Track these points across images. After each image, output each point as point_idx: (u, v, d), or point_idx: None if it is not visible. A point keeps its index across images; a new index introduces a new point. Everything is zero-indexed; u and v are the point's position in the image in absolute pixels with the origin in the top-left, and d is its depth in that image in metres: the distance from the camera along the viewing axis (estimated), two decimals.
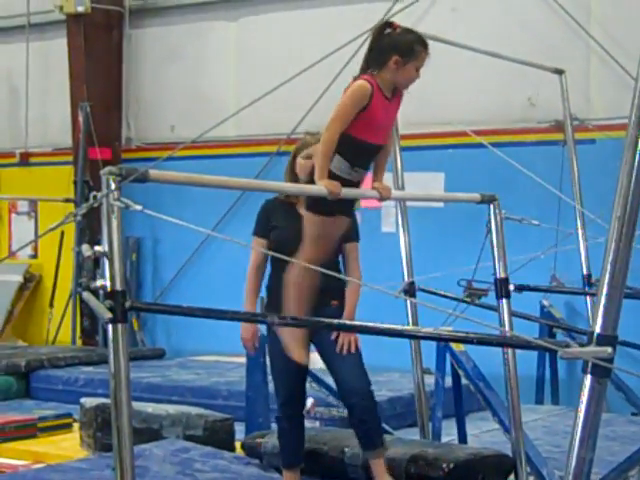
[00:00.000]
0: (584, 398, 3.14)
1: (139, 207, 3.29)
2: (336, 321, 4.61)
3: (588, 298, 8.31)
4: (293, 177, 5.13)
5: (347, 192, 4.21)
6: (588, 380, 3.14)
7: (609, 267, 3.15)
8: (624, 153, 3.22)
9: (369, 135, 4.25)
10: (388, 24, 4.29)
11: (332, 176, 4.23)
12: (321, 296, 4.83)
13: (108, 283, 3.36)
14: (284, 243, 4.89)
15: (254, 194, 9.99)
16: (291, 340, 4.77)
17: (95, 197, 3.33)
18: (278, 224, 5.14)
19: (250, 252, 5.31)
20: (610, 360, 3.10)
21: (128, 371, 3.32)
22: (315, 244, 4.45)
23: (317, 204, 4.39)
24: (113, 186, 3.30)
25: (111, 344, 3.33)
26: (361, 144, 4.24)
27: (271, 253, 4.79)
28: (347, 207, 4.52)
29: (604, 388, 3.15)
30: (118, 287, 3.35)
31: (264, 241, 5.17)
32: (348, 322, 4.44)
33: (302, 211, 4.77)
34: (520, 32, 9.15)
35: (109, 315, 3.31)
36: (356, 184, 4.37)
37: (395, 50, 4.19)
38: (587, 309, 8.35)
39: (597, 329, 3.13)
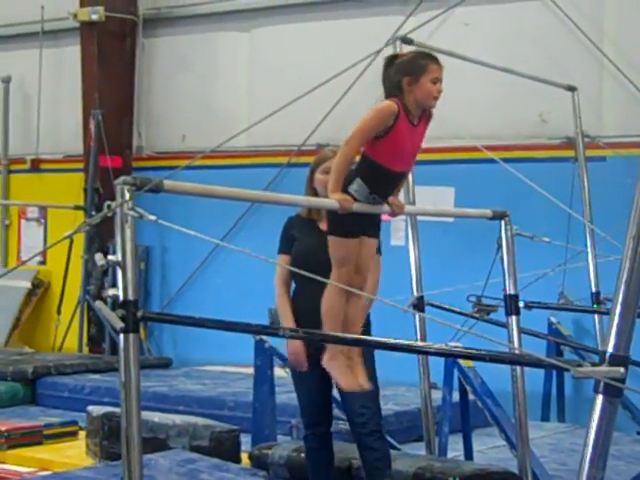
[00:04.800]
0: (595, 418, 3.11)
1: (153, 217, 3.29)
2: (344, 335, 4.57)
3: (596, 316, 8.29)
4: (312, 191, 5.09)
5: (359, 207, 4.18)
6: (599, 400, 3.11)
7: (623, 286, 3.12)
8: (639, 170, 3.21)
9: (393, 162, 4.22)
10: (394, 57, 4.35)
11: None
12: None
13: (120, 292, 3.36)
14: (304, 256, 4.94)
15: (263, 205, 10.04)
16: (342, 371, 4.52)
17: (109, 206, 3.33)
18: (298, 239, 5.12)
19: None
20: (622, 380, 3.08)
21: (139, 381, 3.32)
22: (341, 267, 4.31)
23: (340, 226, 4.29)
24: (127, 196, 3.30)
25: (122, 354, 3.33)
26: (385, 171, 4.21)
27: (293, 269, 4.71)
28: (372, 228, 4.43)
29: (615, 408, 3.13)
30: (131, 297, 3.36)
31: (287, 257, 5.11)
32: (357, 336, 4.34)
33: (323, 226, 4.79)
34: (533, 48, 9.15)
35: (121, 325, 3.32)
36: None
37: (402, 73, 4.22)
38: (595, 327, 8.34)
39: (610, 349, 3.12)
